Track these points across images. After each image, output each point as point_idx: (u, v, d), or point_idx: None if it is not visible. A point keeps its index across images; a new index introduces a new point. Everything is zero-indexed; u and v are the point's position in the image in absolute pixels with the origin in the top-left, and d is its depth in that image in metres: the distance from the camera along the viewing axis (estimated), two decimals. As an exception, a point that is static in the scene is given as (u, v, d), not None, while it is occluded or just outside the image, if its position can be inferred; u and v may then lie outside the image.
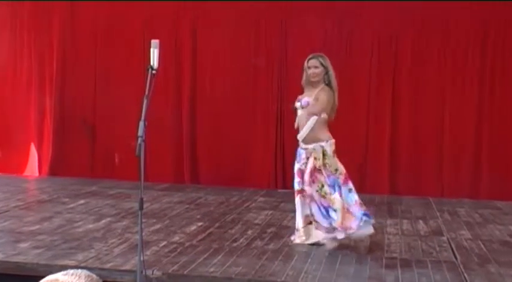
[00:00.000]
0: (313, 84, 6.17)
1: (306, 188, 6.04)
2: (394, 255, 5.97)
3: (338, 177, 6.08)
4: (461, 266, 5.60)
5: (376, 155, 9.58)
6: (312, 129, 6.07)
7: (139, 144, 4.50)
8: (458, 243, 6.50)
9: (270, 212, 7.87)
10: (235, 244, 6.17)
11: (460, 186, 9.33)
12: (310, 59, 6.19)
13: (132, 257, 5.44)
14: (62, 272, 2.12)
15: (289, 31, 9.73)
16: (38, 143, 10.47)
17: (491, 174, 9.28)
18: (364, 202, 8.66)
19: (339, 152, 9.77)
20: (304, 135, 6.09)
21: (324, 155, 6.05)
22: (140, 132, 4.53)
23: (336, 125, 9.56)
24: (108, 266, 5.28)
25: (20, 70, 10.54)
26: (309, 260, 5.64)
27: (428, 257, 5.93)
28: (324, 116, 6.09)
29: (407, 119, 9.50)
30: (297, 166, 6.20)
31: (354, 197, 6.08)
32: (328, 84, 6.13)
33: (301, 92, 6.34)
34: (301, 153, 6.16)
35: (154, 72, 4.74)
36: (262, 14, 9.80)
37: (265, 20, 9.81)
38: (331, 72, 6.15)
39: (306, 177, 6.04)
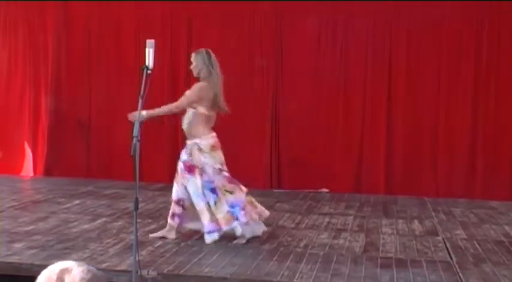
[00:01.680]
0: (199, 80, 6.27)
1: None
2: (389, 255, 5.98)
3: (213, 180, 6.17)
4: (456, 266, 5.61)
5: (372, 155, 9.58)
6: (187, 125, 6.24)
7: (135, 144, 4.50)
8: (453, 243, 6.50)
9: (266, 212, 7.85)
10: (230, 244, 6.16)
11: (455, 186, 9.33)
12: (191, 54, 6.31)
13: (127, 257, 5.45)
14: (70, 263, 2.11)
15: (284, 29, 9.73)
16: (33, 142, 10.46)
17: (486, 174, 9.29)
18: (360, 202, 8.72)
19: (335, 152, 9.80)
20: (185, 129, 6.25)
21: (200, 151, 6.15)
22: (135, 132, 4.53)
23: (331, 125, 9.65)
24: (103, 266, 5.27)
25: (14, 70, 10.53)
26: (304, 260, 5.64)
27: (423, 256, 5.94)
28: (201, 111, 6.18)
29: (403, 119, 9.50)
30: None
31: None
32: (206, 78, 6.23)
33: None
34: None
35: (149, 72, 4.75)
36: (257, 12, 9.79)
37: (261, 18, 9.80)
38: (208, 68, 6.21)
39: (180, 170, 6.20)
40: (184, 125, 6.24)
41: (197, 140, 6.16)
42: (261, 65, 9.78)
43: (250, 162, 9.74)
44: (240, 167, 9.77)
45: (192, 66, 6.27)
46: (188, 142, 6.23)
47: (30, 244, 5.90)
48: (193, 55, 6.28)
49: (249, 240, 6.26)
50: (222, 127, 9.69)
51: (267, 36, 9.76)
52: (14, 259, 5.42)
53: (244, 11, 9.80)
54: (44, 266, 5.51)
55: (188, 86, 9.86)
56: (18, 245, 5.85)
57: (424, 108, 9.46)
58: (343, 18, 9.64)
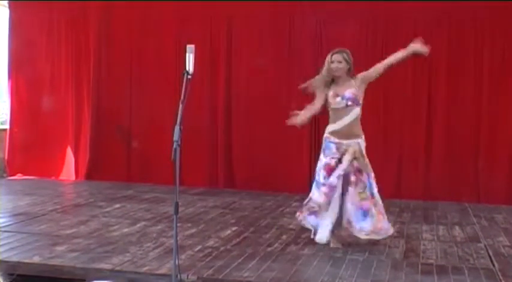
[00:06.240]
0: (335, 79, 6.19)
1: (350, 188, 6.08)
2: (430, 261, 5.91)
3: (372, 178, 6.19)
4: (499, 274, 5.52)
5: (411, 160, 9.48)
6: (352, 123, 6.13)
7: (175, 149, 4.53)
8: (495, 250, 6.40)
9: (305, 217, 7.83)
10: (269, 249, 6.16)
11: (497, 192, 9.18)
12: (334, 53, 6.21)
13: (167, 261, 5.48)
14: None
15: (323, 30, 9.69)
16: (75, 146, 10.59)
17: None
18: (400, 208, 8.65)
19: (374, 158, 9.72)
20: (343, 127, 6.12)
21: (361, 153, 6.12)
22: (176, 136, 4.56)
23: (370, 130, 9.54)
24: (143, 270, 5.32)
25: (57, 75, 10.68)
26: (344, 266, 5.60)
27: (465, 263, 5.85)
28: (359, 109, 6.19)
29: (443, 125, 9.37)
30: (324, 160, 6.15)
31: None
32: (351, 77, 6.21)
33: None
34: (331, 147, 6.14)
35: (189, 77, 4.78)
36: (298, 14, 9.78)
37: (300, 19, 9.77)
38: (353, 67, 6.23)
39: (353, 178, 6.09)
40: (347, 122, 6.15)
41: (359, 140, 6.19)
42: (261, 64, 9.78)
43: (290, 166, 9.73)
44: (280, 171, 9.81)
45: (341, 65, 6.14)
46: (346, 141, 6.13)
47: (72, 247, 5.98)
48: (343, 55, 6.18)
49: (286, 245, 6.30)
50: (262, 131, 9.81)
51: (307, 38, 9.72)
52: (56, 262, 5.49)
53: (284, 13, 9.79)
54: (86, 269, 5.60)
55: (227, 91, 10.04)
56: (60, 248, 5.93)
57: (465, 112, 9.33)
58: (383, 21, 9.57)
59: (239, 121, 9.98)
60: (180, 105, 4.71)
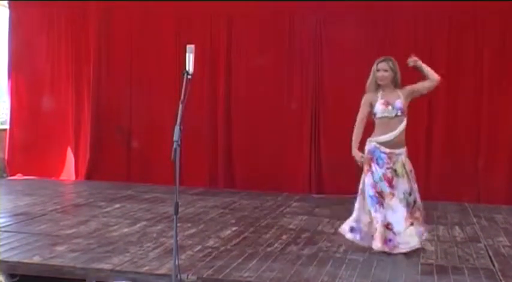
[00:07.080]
0: (381, 87, 6.19)
1: (417, 195, 6.29)
2: (430, 261, 5.90)
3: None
4: (499, 274, 5.52)
5: (412, 160, 9.42)
6: (402, 132, 6.20)
7: (175, 149, 4.53)
8: (496, 250, 6.39)
9: (305, 217, 7.84)
10: (269, 249, 6.16)
11: (497, 192, 9.17)
12: (380, 62, 6.20)
13: (167, 261, 5.48)
14: None
15: (323, 30, 9.68)
16: (75, 146, 10.58)
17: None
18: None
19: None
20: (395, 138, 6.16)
21: (407, 160, 6.26)
22: (176, 137, 4.56)
23: (370, 129, 9.54)
24: (143, 270, 5.32)
25: (57, 75, 10.66)
26: (344, 266, 5.60)
27: (465, 263, 5.85)
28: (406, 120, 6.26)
29: (443, 124, 9.36)
30: (380, 171, 6.11)
31: None
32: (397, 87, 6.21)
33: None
34: (384, 157, 6.13)
35: (189, 77, 4.78)
36: (297, 13, 9.77)
37: (300, 19, 9.76)
38: (399, 75, 6.20)
39: (415, 185, 6.27)
40: (399, 132, 6.20)
41: (405, 148, 6.30)
42: (261, 64, 9.77)
43: (290, 166, 9.73)
44: (280, 172, 9.80)
45: (387, 74, 6.14)
46: (397, 151, 6.18)
47: (72, 247, 5.98)
48: (389, 63, 6.16)
49: (286, 245, 6.30)
50: (262, 131, 9.80)
51: (307, 38, 9.72)
52: (56, 262, 5.49)
53: (284, 13, 9.79)
54: (86, 269, 5.59)
55: (227, 91, 10.04)
56: (60, 248, 5.93)
57: (464, 112, 9.32)
58: (383, 21, 9.56)
59: (239, 121, 9.98)
60: (180, 105, 4.71)
